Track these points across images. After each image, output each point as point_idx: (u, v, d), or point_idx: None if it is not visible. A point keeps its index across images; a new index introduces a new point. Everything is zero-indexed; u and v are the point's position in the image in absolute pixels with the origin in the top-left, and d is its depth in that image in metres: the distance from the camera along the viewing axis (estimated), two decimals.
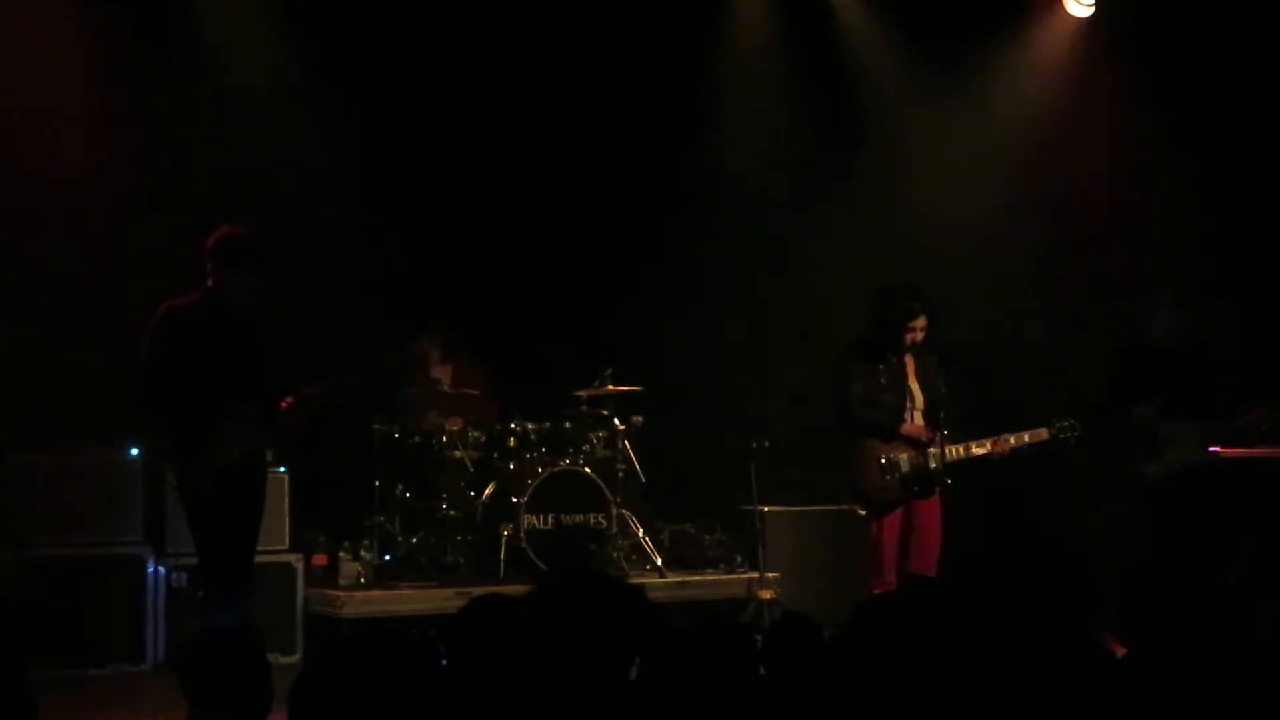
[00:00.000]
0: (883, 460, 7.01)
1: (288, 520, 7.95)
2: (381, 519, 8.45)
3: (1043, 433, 7.09)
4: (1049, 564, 7.60)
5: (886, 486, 7.01)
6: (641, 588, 4.23)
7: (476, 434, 8.71)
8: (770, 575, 8.60)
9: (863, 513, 7.12)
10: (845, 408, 7.04)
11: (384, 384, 8.26)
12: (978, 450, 7.06)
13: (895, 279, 7.34)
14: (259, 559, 6.41)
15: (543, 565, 8.10)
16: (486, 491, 8.55)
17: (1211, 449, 7.39)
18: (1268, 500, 7.34)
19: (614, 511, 8.57)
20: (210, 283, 6.06)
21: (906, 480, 7.01)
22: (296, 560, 7.95)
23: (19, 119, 8.02)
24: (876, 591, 6.57)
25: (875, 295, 7.12)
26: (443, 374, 8.96)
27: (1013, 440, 7.09)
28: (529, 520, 8.32)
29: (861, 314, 7.19)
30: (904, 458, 7.02)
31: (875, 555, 7.03)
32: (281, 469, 7.83)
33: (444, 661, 3.68)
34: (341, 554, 8.26)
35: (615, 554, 8.57)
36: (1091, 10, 9.76)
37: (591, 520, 8.52)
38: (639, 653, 3.61)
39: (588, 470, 8.60)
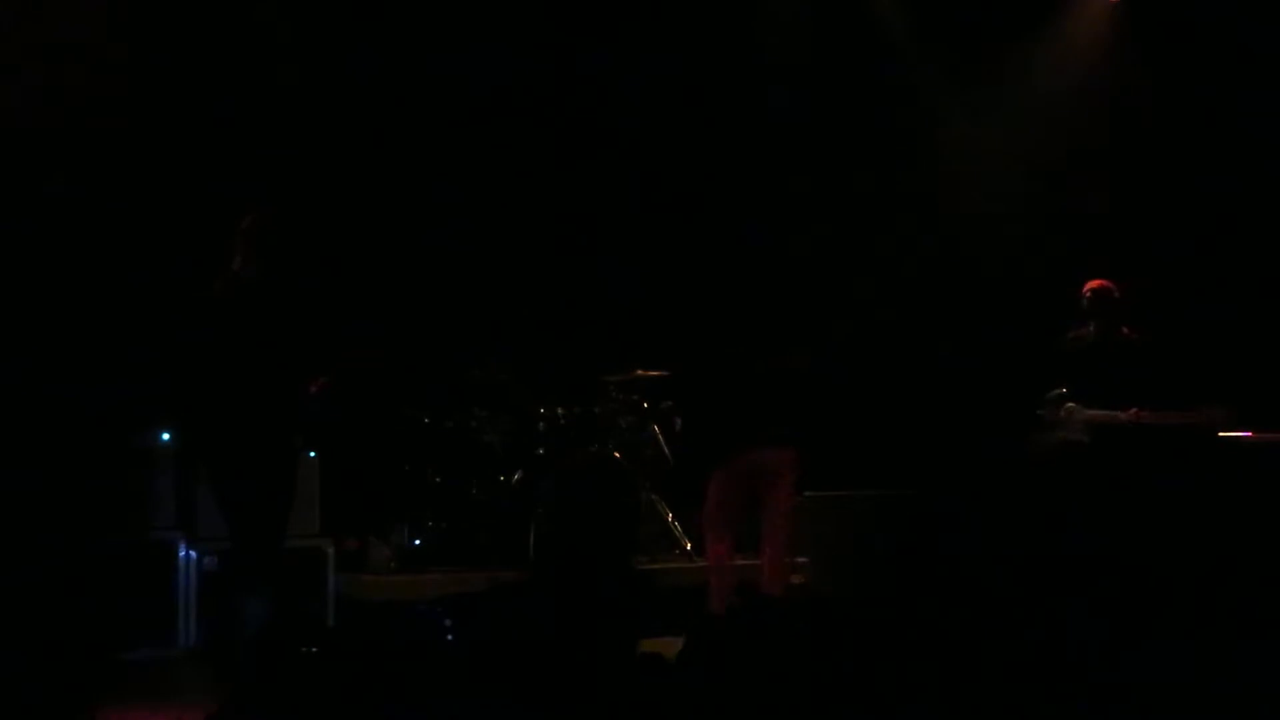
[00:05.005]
0: None
1: (318, 505, 7.96)
2: (412, 504, 8.46)
3: None
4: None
5: None
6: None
7: (507, 418, 8.71)
8: (799, 560, 8.57)
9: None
10: None
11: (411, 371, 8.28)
12: None
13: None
14: (290, 544, 6.44)
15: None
16: (516, 476, 8.55)
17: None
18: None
19: (643, 496, 8.56)
20: (237, 268, 6.08)
21: None
22: (327, 545, 7.96)
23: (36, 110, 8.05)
24: None
25: None
26: None
27: None
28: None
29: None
30: None
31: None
32: (312, 454, 7.84)
33: (449, 637, 3.69)
34: (372, 539, 8.27)
35: (644, 537, 8.56)
36: None
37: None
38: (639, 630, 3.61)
39: (617, 455, 8.60)
